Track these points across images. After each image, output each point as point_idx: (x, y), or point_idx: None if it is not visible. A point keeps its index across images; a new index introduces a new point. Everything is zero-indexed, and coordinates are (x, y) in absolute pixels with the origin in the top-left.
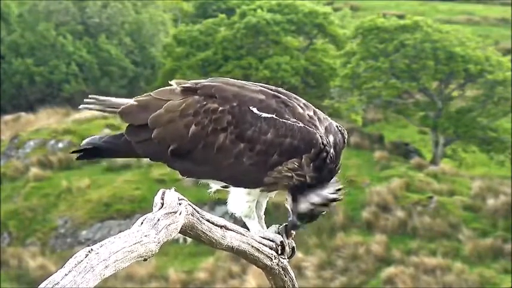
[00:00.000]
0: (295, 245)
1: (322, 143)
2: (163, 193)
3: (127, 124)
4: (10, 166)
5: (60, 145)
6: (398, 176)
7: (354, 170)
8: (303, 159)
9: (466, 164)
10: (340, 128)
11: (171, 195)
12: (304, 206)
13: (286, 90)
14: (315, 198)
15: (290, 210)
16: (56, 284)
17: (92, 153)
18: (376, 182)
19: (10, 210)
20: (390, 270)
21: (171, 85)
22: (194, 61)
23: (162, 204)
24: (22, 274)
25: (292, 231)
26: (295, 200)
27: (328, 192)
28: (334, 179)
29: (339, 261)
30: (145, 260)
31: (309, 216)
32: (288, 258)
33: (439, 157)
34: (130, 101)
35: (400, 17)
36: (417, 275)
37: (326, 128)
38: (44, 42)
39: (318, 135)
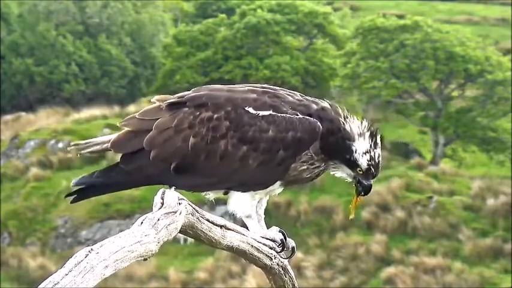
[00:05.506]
0: (295, 245)
1: (323, 129)
2: (163, 193)
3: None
4: (10, 166)
5: (60, 145)
6: (398, 176)
7: None
8: (311, 149)
9: (466, 164)
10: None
11: (171, 195)
12: (362, 160)
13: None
14: (358, 145)
15: (351, 176)
16: (55, 284)
17: (86, 193)
18: (376, 182)
19: (10, 210)
20: (390, 270)
21: (153, 102)
22: (194, 61)
23: (162, 203)
24: (22, 274)
25: (364, 194)
26: (348, 161)
27: (357, 133)
28: (354, 130)
29: (339, 261)
30: (145, 259)
31: (374, 166)
32: (287, 258)
33: (439, 157)
34: (114, 135)
35: (400, 16)
36: (417, 275)
37: (315, 102)
38: (44, 42)
39: (318, 123)
